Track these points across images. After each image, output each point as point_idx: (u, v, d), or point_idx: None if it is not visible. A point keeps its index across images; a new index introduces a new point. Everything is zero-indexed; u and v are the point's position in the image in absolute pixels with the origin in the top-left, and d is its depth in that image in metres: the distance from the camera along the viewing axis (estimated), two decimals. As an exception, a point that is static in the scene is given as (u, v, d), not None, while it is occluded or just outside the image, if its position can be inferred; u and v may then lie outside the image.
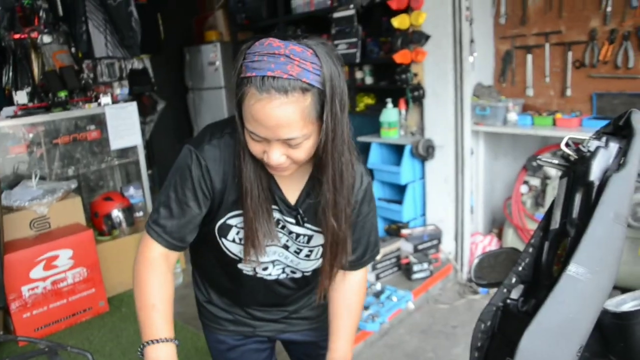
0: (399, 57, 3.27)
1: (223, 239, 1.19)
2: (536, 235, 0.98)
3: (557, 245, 0.90)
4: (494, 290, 1.01)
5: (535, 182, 3.36)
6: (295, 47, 0.93)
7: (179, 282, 3.60)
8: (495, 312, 0.95)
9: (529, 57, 3.29)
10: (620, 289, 1.04)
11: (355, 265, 1.30)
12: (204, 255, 1.32)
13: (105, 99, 4.01)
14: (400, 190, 3.67)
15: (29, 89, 4.03)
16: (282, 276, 1.29)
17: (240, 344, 1.44)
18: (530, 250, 0.97)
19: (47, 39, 4.42)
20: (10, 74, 4.27)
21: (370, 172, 3.66)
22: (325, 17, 4.12)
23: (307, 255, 1.23)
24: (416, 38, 3.23)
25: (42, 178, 3.52)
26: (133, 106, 4.00)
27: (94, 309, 3.26)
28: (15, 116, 3.67)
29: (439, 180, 3.49)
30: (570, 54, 3.09)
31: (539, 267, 0.94)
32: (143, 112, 5.09)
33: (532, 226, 3.31)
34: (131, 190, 3.89)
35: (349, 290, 1.33)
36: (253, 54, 0.95)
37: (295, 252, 1.23)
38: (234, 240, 1.19)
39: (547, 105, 3.28)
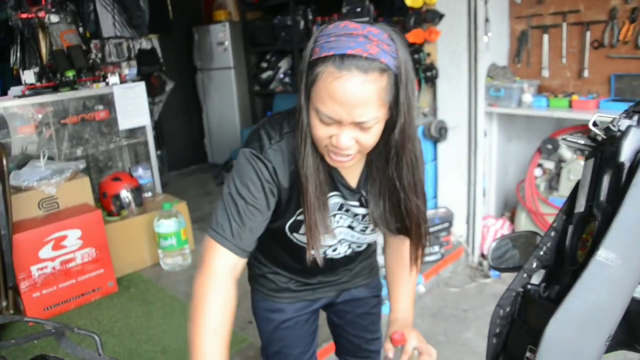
0: (412, 36, 3.19)
1: (295, 234, 1.24)
2: (559, 219, 0.93)
3: (582, 229, 0.86)
4: (505, 275, 0.97)
5: (550, 165, 3.29)
6: (372, 29, 0.93)
7: (188, 262, 3.60)
8: (515, 298, 0.90)
9: (545, 37, 3.20)
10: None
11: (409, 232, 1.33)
12: (270, 244, 1.33)
13: (113, 79, 3.98)
14: (411, 172, 3.62)
15: (36, 69, 4.00)
16: (349, 252, 1.34)
17: (297, 315, 1.47)
18: (553, 234, 0.92)
19: (54, 18, 4.38)
20: (18, 53, 4.25)
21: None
22: (336, -4, 4.04)
23: (373, 231, 1.29)
24: (430, 17, 3.15)
25: (51, 158, 3.51)
26: (141, 86, 3.97)
27: (103, 289, 3.26)
28: (23, 96, 3.65)
29: (452, 163, 3.44)
30: (588, 33, 3.00)
31: (561, 251, 0.89)
32: (151, 93, 5.05)
33: (545, 210, 3.26)
34: (140, 171, 3.87)
35: (406, 252, 1.32)
36: (328, 36, 0.94)
37: (361, 230, 1.28)
38: (303, 232, 1.18)
39: (563, 86, 3.20)
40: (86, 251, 3.13)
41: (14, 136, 3.53)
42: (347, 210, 1.22)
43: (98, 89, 3.89)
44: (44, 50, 4.31)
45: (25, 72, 3.87)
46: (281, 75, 5.41)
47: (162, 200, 3.73)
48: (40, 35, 4.28)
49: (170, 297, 3.22)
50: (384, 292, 1.53)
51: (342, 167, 1.13)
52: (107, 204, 3.50)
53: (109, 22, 4.77)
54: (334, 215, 1.22)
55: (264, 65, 5.56)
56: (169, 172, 5.62)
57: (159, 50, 5.35)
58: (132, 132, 4.05)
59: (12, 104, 3.56)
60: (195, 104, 6.16)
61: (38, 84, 3.86)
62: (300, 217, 1.17)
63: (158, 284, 3.40)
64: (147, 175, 3.90)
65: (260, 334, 1.53)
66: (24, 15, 4.19)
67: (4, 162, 2.79)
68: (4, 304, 2.87)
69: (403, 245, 1.36)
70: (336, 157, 1.02)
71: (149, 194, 3.86)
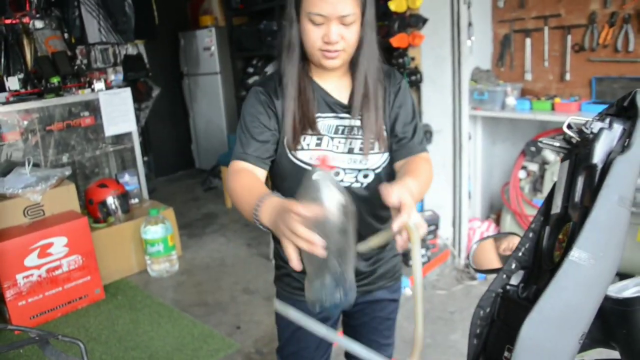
0: (396, 41, 3.22)
1: (293, 152, 1.32)
2: (536, 220, 0.95)
3: (559, 230, 0.88)
4: (492, 277, 0.99)
5: (534, 167, 3.34)
6: None
7: (175, 269, 3.59)
8: (495, 299, 0.92)
9: (528, 40, 3.24)
10: (620, 275, 1.02)
11: (412, 148, 1.38)
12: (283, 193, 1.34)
13: (98, 85, 3.96)
14: (397, 176, 3.64)
15: (21, 75, 3.97)
16: (356, 185, 1.34)
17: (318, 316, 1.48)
18: (531, 235, 0.94)
19: (39, 24, 4.36)
20: (2, 60, 4.21)
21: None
22: (322, 1, 4.06)
23: (371, 148, 1.33)
24: (413, 21, 3.18)
25: (36, 165, 3.48)
26: (127, 92, 3.96)
27: (90, 297, 3.24)
28: (7, 102, 3.62)
29: (437, 166, 3.45)
30: (569, 37, 3.05)
31: (539, 252, 0.91)
32: (138, 99, 5.04)
33: (530, 212, 3.29)
34: (126, 177, 3.86)
35: (415, 159, 1.36)
36: None
37: (359, 149, 1.33)
38: (302, 148, 1.31)
39: (546, 89, 3.24)
40: (72, 258, 3.12)
41: (-2, 143, 3.51)
42: (342, 132, 1.33)
43: (83, 95, 3.87)
44: (28, 57, 4.28)
45: (10, 78, 3.84)
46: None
47: (149, 207, 3.71)
48: (25, 41, 4.25)
49: (158, 304, 3.20)
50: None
51: (326, 80, 1.32)
52: (93, 210, 3.48)
53: (94, 28, 4.75)
54: (332, 139, 1.33)
55: (250, 70, 5.54)
56: (156, 178, 5.60)
57: (145, 56, 5.34)
58: (118, 138, 4.03)
59: (-5, 110, 3.53)
60: (182, 109, 6.15)
61: (23, 91, 3.83)
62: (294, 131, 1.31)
63: (145, 290, 3.39)
64: (134, 181, 3.89)
65: (279, 334, 1.58)
66: (8, 21, 4.16)
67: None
68: (-11, 312, 2.84)
69: (415, 160, 1.36)
70: (328, 55, 1.23)
71: (136, 200, 3.84)
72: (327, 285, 0.94)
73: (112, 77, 4.87)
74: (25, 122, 3.69)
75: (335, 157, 1.32)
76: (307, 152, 1.31)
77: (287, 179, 1.35)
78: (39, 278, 3.03)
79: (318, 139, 1.31)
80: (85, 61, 4.68)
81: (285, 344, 1.55)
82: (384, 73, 1.38)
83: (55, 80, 3.94)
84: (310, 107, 1.30)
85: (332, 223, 0.89)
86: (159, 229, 3.39)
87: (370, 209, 1.36)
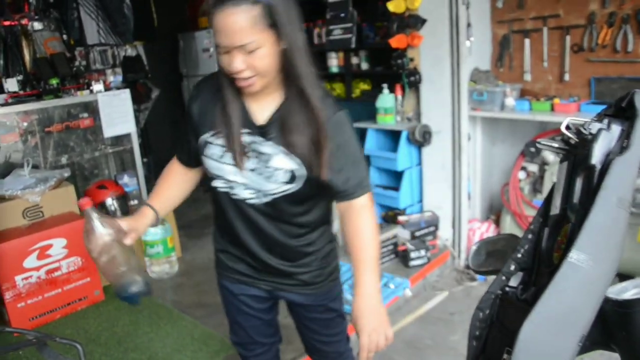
0: (395, 41, 3.22)
1: (202, 156, 1.39)
2: (535, 222, 0.95)
3: (558, 231, 0.88)
4: (492, 278, 0.98)
5: (533, 168, 3.34)
6: None
7: (175, 270, 3.58)
8: (494, 301, 0.92)
9: (527, 41, 3.25)
10: (620, 276, 1.02)
11: (344, 196, 1.39)
12: (214, 200, 1.48)
13: (97, 86, 3.95)
14: (397, 176, 3.64)
15: (20, 77, 3.97)
16: (255, 200, 1.37)
17: (242, 292, 1.58)
18: (530, 236, 0.94)
19: (37, 25, 4.36)
20: (1, 61, 4.22)
21: (367, 159, 3.64)
22: (320, 2, 4.06)
23: (270, 176, 1.33)
24: (412, 22, 3.18)
25: (35, 166, 3.48)
26: (126, 93, 3.95)
27: (90, 298, 3.24)
28: (6, 104, 3.62)
29: (436, 167, 3.47)
30: (568, 38, 3.05)
31: (538, 254, 0.91)
32: (137, 100, 5.03)
33: (530, 213, 3.29)
34: (125, 178, 3.85)
35: (354, 215, 1.41)
36: None
37: (259, 173, 1.33)
38: (206, 156, 1.37)
39: (545, 90, 3.25)
40: (72, 260, 3.11)
41: (-4, 145, 3.50)
42: (253, 150, 1.33)
43: (82, 96, 3.87)
44: (27, 58, 4.28)
45: (8, 80, 3.85)
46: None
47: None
48: (24, 43, 4.25)
49: (158, 305, 3.20)
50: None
51: (252, 97, 1.30)
52: (83, 211, 3.48)
53: (93, 30, 4.75)
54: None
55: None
56: (156, 179, 5.57)
57: (144, 57, 5.34)
58: (117, 140, 4.02)
59: (-6, 112, 3.53)
60: (181, 111, 6.13)
61: (21, 92, 3.83)
62: (206, 138, 1.37)
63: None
64: (133, 182, 3.88)
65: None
66: (7, 23, 4.16)
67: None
68: (-12, 314, 2.84)
69: (349, 209, 1.41)
70: (240, 83, 1.23)
71: (135, 202, 3.83)
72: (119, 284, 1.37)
73: (111, 78, 4.86)
74: (25, 124, 3.68)
75: (235, 172, 1.34)
76: (210, 162, 1.38)
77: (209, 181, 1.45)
78: (38, 279, 3.02)
79: (222, 151, 1.34)
80: (84, 63, 4.68)
81: (230, 328, 1.72)
82: (320, 101, 1.28)
83: (54, 81, 3.93)
84: (225, 121, 1.32)
85: (98, 243, 1.26)
86: (159, 231, 3.37)
87: (270, 221, 1.42)
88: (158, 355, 2.71)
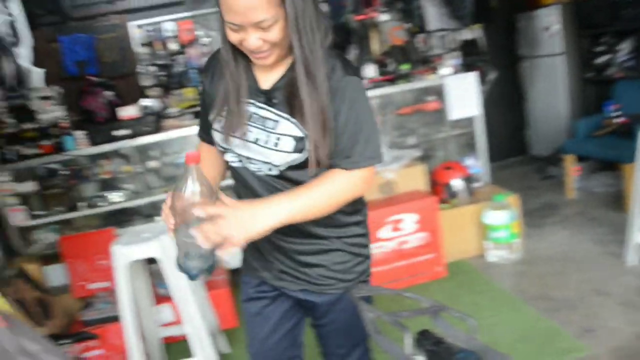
0: None
1: (213, 131, 1.35)
2: None
3: None
4: None
5: None
6: None
7: (516, 257, 3.48)
8: None
9: None
10: None
11: (344, 163, 1.25)
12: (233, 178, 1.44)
13: (445, 70, 4.09)
14: None
15: (371, 64, 4.36)
16: (260, 174, 1.31)
17: (257, 293, 1.51)
18: None
19: (385, 17, 4.73)
20: (356, 51, 4.72)
21: None
22: None
23: (276, 144, 1.24)
24: None
25: (388, 146, 3.80)
26: (473, 76, 3.99)
27: (432, 273, 3.39)
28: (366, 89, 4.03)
29: None
30: None
31: None
32: (474, 83, 5.02)
33: None
34: (470, 160, 3.90)
35: (340, 174, 1.26)
36: None
37: (264, 142, 1.26)
38: (217, 129, 1.32)
39: None
40: (420, 235, 3.30)
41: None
42: (254, 120, 1.27)
43: (430, 80, 4.05)
44: (376, 47, 4.69)
45: (367, 67, 4.27)
46: (622, 59, 4.78)
47: (491, 191, 3.68)
48: (373, 33, 4.66)
49: (498, 290, 3.16)
50: None
51: (264, 67, 1.24)
52: (438, 191, 3.62)
53: (434, 16, 4.91)
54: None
55: (599, 49, 5.01)
56: (489, 163, 5.53)
57: (481, 40, 5.29)
58: (460, 123, 4.10)
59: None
60: (517, 93, 5.91)
61: (377, 78, 4.22)
62: (215, 110, 1.32)
63: (484, 274, 3.37)
64: (477, 165, 3.91)
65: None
66: (360, 17, 4.61)
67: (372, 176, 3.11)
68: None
69: (338, 173, 1.26)
70: (255, 56, 1.18)
71: (479, 185, 3.85)
72: (181, 252, 1.18)
73: (451, 62, 4.97)
74: (379, 106, 4.06)
75: (241, 144, 1.29)
76: (218, 135, 1.33)
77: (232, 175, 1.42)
78: (389, 250, 3.30)
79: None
80: (425, 48, 4.89)
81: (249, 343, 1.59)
82: (329, 65, 1.21)
83: (405, 67, 4.22)
84: (230, 92, 1.27)
85: (186, 205, 1.11)
86: (503, 215, 3.33)
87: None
88: (501, 341, 2.66)
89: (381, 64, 4.40)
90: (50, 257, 3.50)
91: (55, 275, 3.38)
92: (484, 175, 3.99)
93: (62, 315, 2.92)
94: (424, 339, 1.31)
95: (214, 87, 1.33)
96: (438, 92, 4.05)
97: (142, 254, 2.46)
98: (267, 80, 1.28)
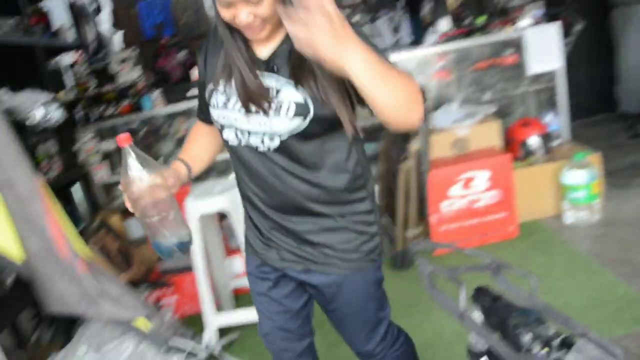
0: None
1: (212, 109, 1.32)
2: None
3: None
4: None
5: None
6: None
7: (595, 219, 3.29)
8: None
9: None
10: None
11: None
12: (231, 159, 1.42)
13: (523, 22, 3.85)
14: None
15: (445, 17, 4.17)
16: (262, 148, 1.27)
17: (257, 273, 1.49)
18: None
19: (461, -34, 4.47)
20: (430, 4, 4.52)
21: None
22: None
23: (277, 111, 1.20)
24: None
25: (462, 102, 3.66)
26: (554, 27, 3.73)
27: (503, 233, 3.29)
28: (438, 43, 3.89)
29: None
30: None
31: None
32: (559, 35, 4.70)
33: None
34: (549, 117, 3.69)
35: None
36: None
37: (265, 111, 1.22)
38: (213, 106, 1.30)
39: None
40: (492, 193, 3.20)
41: (429, 81, 3.83)
42: None
43: (508, 33, 3.84)
44: (450, 0, 4.47)
45: (440, 21, 4.09)
46: None
47: (570, 150, 3.48)
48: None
49: (573, 253, 3.01)
50: None
51: (259, 40, 1.20)
52: (514, 149, 3.47)
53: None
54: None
55: None
56: (573, 120, 5.21)
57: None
58: (540, 77, 3.87)
59: (428, 52, 3.85)
60: (607, 45, 5.47)
61: (451, 32, 4.04)
62: (211, 86, 1.30)
63: (560, 236, 3.23)
64: (556, 122, 3.69)
65: None
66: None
67: (426, 103, 3.03)
68: (418, 231, 3.20)
69: None
70: (248, 31, 1.17)
71: (558, 142, 3.65)
72: (149, 232, 1.19)
73: (531, 13, 4.67)
74: (453, 61, 3.91)
75: (240, 118, 1.26)
76: (215, 111, 1.30)
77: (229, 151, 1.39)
78: (460, 207, 3.23)
79: (226, 98, 1.27)
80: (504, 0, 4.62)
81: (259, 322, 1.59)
82: None
83: (481, 19, 4.01)
84: (225, 64, 1.26)
85: (135, 187, 1.11)
86: (583, 174, 3.14)
87: (283, 171, 1.29)
88: (572, 305, 2.56)
89: (457, 17, 4.21)
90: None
91: (136, 227, 3.58)
92: (564, 133, 3.77)
93: (141, 265, 3.12)
94: (481, 295, 1.28)
95: (208, 65, 1.33)
96: (516, 45, 3.83)
97: (212, 208, 2.55)
98: (264, 49, 1.25)
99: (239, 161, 1.34)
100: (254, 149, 1.27)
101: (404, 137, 3.24)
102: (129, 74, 3.92)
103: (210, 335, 2.64)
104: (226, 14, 1.14)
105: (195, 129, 1.52)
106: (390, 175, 3.45)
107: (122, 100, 3.91)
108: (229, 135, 1.31)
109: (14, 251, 1.86)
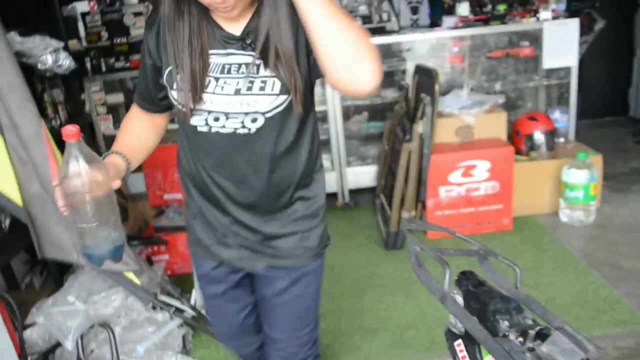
0: None
1: (171, 91, 1.17)
2: None
3: None
4: None
5: None
6: None
7: (590, 220, 3.31)
8: None
9: None
10: None
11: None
12: (181, 145, 1.32)
13: (545, 14, 3.81)
14: None
15: (464, 2, 4.11)
16: (242, 130, 1.16)
17: (212, 274, 1.39)
18: None
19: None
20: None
21: None
22: None
23: (262, 88, 1.11)
24: None
25: (472, 89, 3.65)
26: (574, 23, 3.69)
27: (497, 224, 3.32)
28: (455, 27, 3.86)
29: None
30: None
31: None
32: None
33: None
34: (556, 114, 3.68)
35: None
36: None
37: (247, 89, 1.12)
38: (178, 88, 1.14)
39: None
40: (491, 184, 3.21)
41: (443, 64, 3.80)
42: (229, 71, 1.13)
43: (527, 24, 3.80)
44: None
45: (461, 4, 4.05)
46: None
47: (574, 149, 3.47)
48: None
49: (565, 251, 3.04)
50: None
51: (229, 18, 1.11)
52: (518, 142, 3.47)
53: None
54: (216, 80, 1.13)
55: None
56: (580, 119, 5.18)
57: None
58: (553, 72, 3.84)
59: (444, 34, 3.81)
60: (627, 47, 5.41)
61: (470, 17, 4.00)
62: (171, 69, 1.15)
63: (552, 233, 3.25)
64: (564, 119, 3.68)
65: None
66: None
67: (436, 87, 3.02)
68: (413, 213, 3.22)
69: None
70: (221, 10, 1.04)
71: (562, 140, 3.64)
72: (79, 237, 1.04)
73: (553, 6, 4.61)
74: (467, 47, 3.87)
75: (217, 100, 1.13)
76: (180, 94, 1.14)
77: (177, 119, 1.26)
78: (458, 195, 3.25)
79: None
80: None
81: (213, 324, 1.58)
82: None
83: (502, 7, 3.97)
84: (194, 45, 1.12)
85: (72, 183, 0.97)
86: (583, 175, 3.15)
87: (256, 158, 1.19)
88: (556, 301, 2.60)
89: (478, 3, 4.15)
90: (132, 166, 3.74)
91: (135, 183, 3.60)
92: (570, 131, 3.76)
93: (136, 220, 3.15)
94: (465, 279, 1.30)
95: (163, 44, 1.16)
96: (534, 37, 3.80)
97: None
98: (234, 26, 1.14)
99: (203, 151, 1.22)
100: (230, 135, 1.16)
101: (410, 118, 3.24)
102: (141, 28, 3.90)
103: (197, 295, 2.68)
104: None
105: (132, 116, 1.33)
106: (392, 155, 3.47)
107: (133, 54, 3.89)
108: (197, 121, 1.17)
109: (14, 194, 1.89)
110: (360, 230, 3.59)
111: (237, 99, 1.12)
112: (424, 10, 4.48)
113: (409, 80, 3.71)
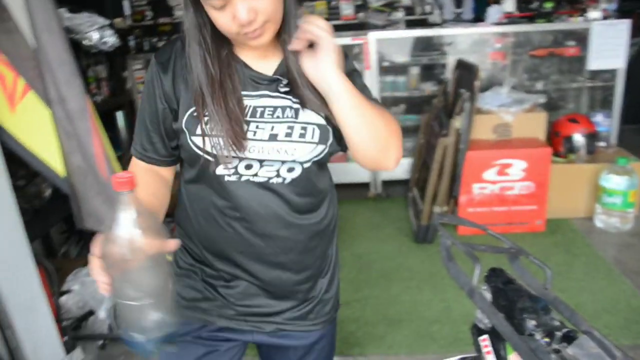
0: None
1: (192, 138, 1.01)
2: None
3: None
4: None
5: None
6: None
7: (627, 227, 3.23)
8: None
9: None
10: None
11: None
12: (190, 193, 1.13)
13: (594, 13, 3.71)
14: None
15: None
16: (277, 180, 1.03)
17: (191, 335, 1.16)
18: None
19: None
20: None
21: None
22: None
23: (302, 135, 1.01)
24: None
25: (513, 87, 3.59)
26: (625, 24, 3.58)
27: (530, 225, 3.27)
28: (500, 23, 3.79)
29: None
30: None
31: None
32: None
33: None
34: (599, 117, 3.59)
35: None
36: None
37: (286, 135, 1.01)
38: (202, 133, 0.99)
39: None
40: (526, 184, 3.16)
41: (485, 60, 3.75)
42: (262, 114, 1.01)
43: (575, 23, 3.72)
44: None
45: (506, 0, 3.97)
46: None
47: (615, 153, 3.39)
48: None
49: (597, 257, 2.98)
50: None
51: (249, 52, 1.02)
52: (557, 143, 3.40)
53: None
54: (248, 124, 1.00)
55: None
56: (624, 124, 5.03)
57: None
58: (598, 74, 3.75)
59: (488, 30, 3.75)
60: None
61: (515, 13, 3.92)
62: (193, 112, 1.01)
63: (586, 238, 3.19)
64: (606, 123, 3.59)
65: None
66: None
67: (477, 83, 2.98)
68: (445, 208, 3.20)
69: None
70: (250, 36, 0.94)
71: (603, 144, 3.55)
72: (125, 318, 0.81)
73: (603, 5, 4.48)
74: (511, 44, 3.81)
75: (252, 146, 1.00)
76: (207, 140, 0.99)
77: (188, 167, 1.09)
78: (491, 193, 3.22)
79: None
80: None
81: None
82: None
83: (549, 5, 3.88)
84: (219, 84, 0.99)
85: (118, 254, 0.75)
86: (623, 181, 3.07)
87: (290, 210, 1.07)
88: (585, 307, 2.55)
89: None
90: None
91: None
92: (612, 136, 3.66)
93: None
94: (495, 275, 1.30)
95: (181, 83, 1.03)
96: (581, 37, 3.70)
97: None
98: (263, 65, 1.04)
99: (228, 202, 1.05)
100: (260, 184, 1.03)
101: (448, 113, 3.21)
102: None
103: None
104: (223, 19, 0.92)
105: (137, 173, 0.97)
106: (428, 149, 3.45)
107: (177, 34, 3.96)
108: (224, 170, 1.02)
109: (57, 165, 1.95)
110: (390, 222, 3.60)
111: (273, 145, 1.00)
112: (468, 3, 4.42)
113: (448, 74, 3.67)
